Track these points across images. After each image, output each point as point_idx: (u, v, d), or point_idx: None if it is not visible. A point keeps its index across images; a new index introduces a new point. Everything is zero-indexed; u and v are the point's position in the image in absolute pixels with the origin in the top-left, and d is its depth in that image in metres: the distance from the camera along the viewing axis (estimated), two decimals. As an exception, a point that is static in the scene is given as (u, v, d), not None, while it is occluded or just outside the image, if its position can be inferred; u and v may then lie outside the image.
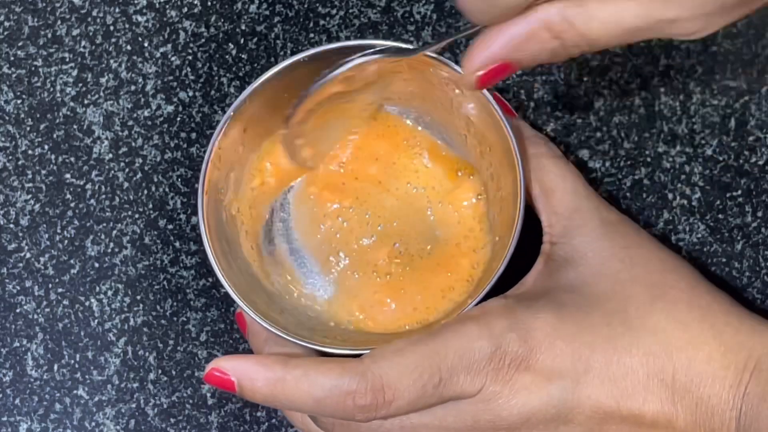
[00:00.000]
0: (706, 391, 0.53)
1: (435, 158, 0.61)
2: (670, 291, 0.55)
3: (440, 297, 0.60)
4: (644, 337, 0.54)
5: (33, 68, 0.66)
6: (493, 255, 0.59)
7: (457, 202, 0.61)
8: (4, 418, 0.64)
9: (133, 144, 0.65)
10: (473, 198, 0.61)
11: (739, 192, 0.64)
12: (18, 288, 0.64)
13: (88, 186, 0.65)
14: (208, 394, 0.64)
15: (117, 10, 0.66)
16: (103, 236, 0.65)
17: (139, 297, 0.64)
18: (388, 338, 0.57)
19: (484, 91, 0.56)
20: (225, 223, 0.59)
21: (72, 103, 0.66)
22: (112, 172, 0.65)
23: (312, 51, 0.57)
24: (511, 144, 0.56)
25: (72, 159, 0.65)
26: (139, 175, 0.65)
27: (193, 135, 0.65)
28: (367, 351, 0.54)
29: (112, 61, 0.66)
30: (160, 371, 0.64)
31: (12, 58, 0.66)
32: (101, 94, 0.66)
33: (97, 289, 0.64)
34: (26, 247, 0.65)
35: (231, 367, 0.54)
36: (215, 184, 0.58)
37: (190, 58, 0.66)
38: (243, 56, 0.66)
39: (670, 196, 0.64)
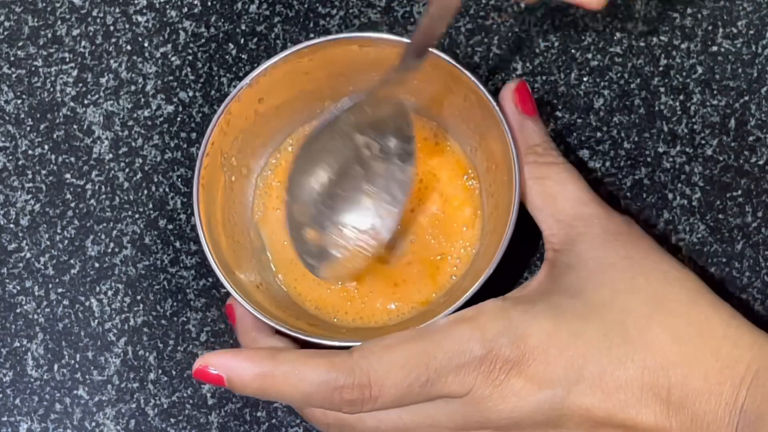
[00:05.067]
0: (701, 407, 0.53)
1: (445, 157, 0.62)
2: (670, 303, 0.54)
3: (422, 302, 0.60)
4: (641, 350, 0.53)
5: (33, 68, 0.66)
6: (473, 272, 0.59)
7: (454, 212, 0.61)
8: (4, 418, 0.64)
9: (133, 144, 0.65)
10: (470, 210, 0.61)
11: (739, 192, 0.64)
12: (18, 288, 0.64)
13: (88, 186, 0.65)
14: (208, 394, 0.64)
15: (117, 10, 0.66)
16: (103, 236, 0.65)
17: (139, 297, 0.64)
18: (380, 332, 0.57)
19: (496, 108, 0.56)
20: (225, 189, 0.59)
21: (72, 103, 0.66)
22: (112, 172, 0.65)
23: (329, 37, 0.58)
24: (513, 165, 0.56)
25: (72, 159, 0.65)
26: (139, 175, 0.65)
27: (193, 135, 0.65)
28: (358, 343, 0.54)
29: (112, 61, 0.66)
30: (160, 371, 0.64)
31: (12, 58, 0.66)
32: (101, 94, 0.66)
33: (97, 289, 0.64)
34: (26, 247, 0.65)
35: (220, 364, 0.54)
36: (219, 147, 0.58)
37: (190, 58, 0.66)
38: (243, 56, 0.66)
39: (670, 196, 0.64)
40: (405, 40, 0.57)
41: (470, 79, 0.57)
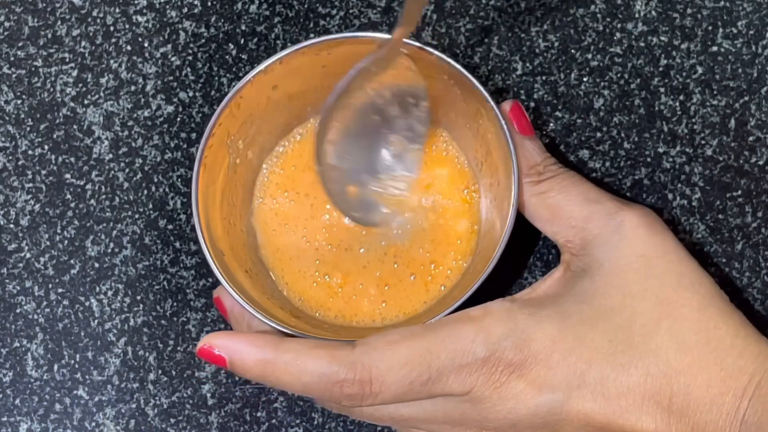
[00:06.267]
0: (703, 417, 0.53)
1: (450, 168, 0.62)
2: (680, 309, 0.54)
3: (408, 308, 0.60)
4: (645, 357, 0.53)
5: (33, 68, 0.66)
6: (463, 285, 0.59)
7: (449, 223, 0.61)
8: (4, 419, 0.64)
9: (133, 144, 0.65)
10: (466, 223, 0.61)
11: (739, 192, 0.64)
12: (18, 288, 0.64)
13: (88, 186, 0.65)
14: (208, 395, 0.64)
15: (117, 10, 0.66)
16: (103, 236, 0.65)
17: (139, 297, 0.64)
18: (362, 333, 0.57)
19: (505, 126, 0.56)
20: (228, 170, 0.60)
21: (72, 103, 0.66)
22: (112, 172, 0.65)
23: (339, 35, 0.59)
24: (513, 185, 0.56)
25: (72, 159, 0.65)
26: (139, 175, 0.65)
27: (193, 135, 0.65)
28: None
29: (112, 61, 0.66)
30: (160, 371, 0.64)
31: (12, 58, 0.66)
32: (101, 94, 0.66)
33: (97, 289, 0.64)
34: (26, 247, 0.65)
35: (223, 345, 0.54)
36: (226, 128, 0.58)
37: (190, 58, 0.66)
38: (243, 56, 0.66)
39: (670, 196, 0.64)
40: (428, 48, 0.57)
41: (483, 94, 0.57)
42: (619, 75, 0.64)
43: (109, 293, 0.64)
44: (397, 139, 0.59)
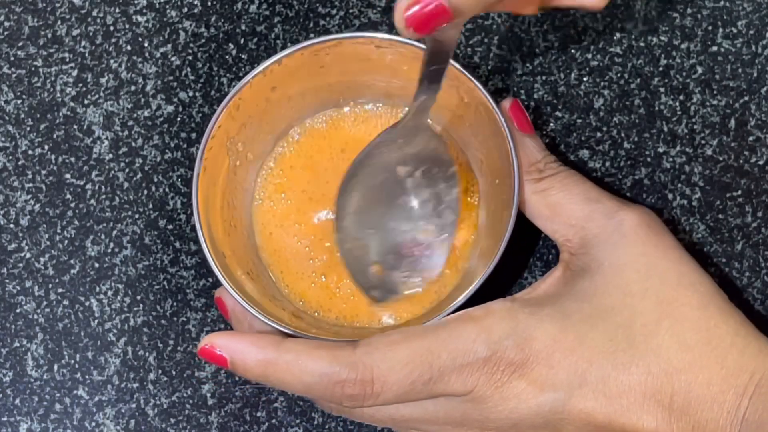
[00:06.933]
0: (704, 416, 0.53)
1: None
2: (680, 308, 0.54)
3: (407, 310, 0.60)
4: (646, 356, 0.53)
5: (33, 68, 0.66)
6: (463, 287, 0.59)
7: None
8: (4, 418, 0.64)
9: (133, 144, 0.65)
10: (466, 225, 0.61)
11: (739, 192, 0.64)
12: (18, 288, 0.64)
13: (88, 186, 0.65)
14: (208, 395, 0.64)
15: (117, 10, 0.66)
16: (103, 236, 0.65)
17: (139, 297, 0.64)
18: (364, 333, 0.57)
19: (503, 123, 0.56)
20: (229, 173, 0.60)
21: (72, 103, 0.66)
22: (112, 172, 0.65)
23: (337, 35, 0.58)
24: (513, 183, 0.56)
25: (72, 159, 0.65)
26: (139, 175, 0.65)
27: (193, 135, 0.65)
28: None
29: (112, 61, 0.66)
30: (160, 371, 0.64)
31: (12, 58, 0.66)
32: (101, 94, 0.66)
33: (97, 289, 0.64)
34: (26, 247, 0.65)
35: (225, 345, 0.55)
36: (225, 130, 0.58)
37: (190, 58, 0.66)
38: (243, 56, 0.66)
39: (670, 196, 0.64)
40: (422, 46, 0.57)
41: (481, 92, 0.57)
42: (619, 75, 0.64)
43: (109, 293, 0.64)
44: (427, 228, 0.59)
